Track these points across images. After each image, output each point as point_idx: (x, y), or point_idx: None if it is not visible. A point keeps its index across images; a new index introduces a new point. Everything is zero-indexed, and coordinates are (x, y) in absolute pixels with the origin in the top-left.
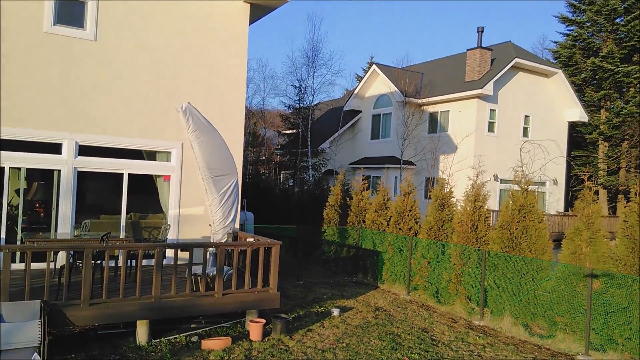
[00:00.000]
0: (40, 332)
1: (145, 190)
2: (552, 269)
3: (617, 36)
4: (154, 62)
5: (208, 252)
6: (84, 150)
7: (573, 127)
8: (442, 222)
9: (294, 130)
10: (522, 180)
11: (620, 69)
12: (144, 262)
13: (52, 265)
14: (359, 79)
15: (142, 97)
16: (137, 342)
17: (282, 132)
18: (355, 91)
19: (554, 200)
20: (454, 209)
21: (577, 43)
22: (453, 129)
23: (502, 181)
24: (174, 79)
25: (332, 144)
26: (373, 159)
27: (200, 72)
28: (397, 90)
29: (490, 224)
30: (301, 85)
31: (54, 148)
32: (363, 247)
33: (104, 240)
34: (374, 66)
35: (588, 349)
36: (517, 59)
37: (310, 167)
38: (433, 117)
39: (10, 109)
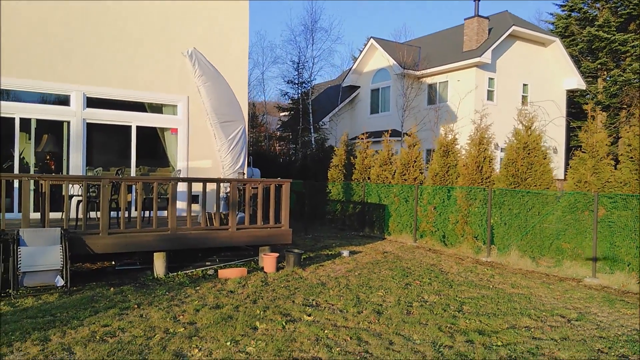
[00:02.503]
0: (62, 257)
1: (153, 148)
2: (557, 201)
3: (613, 5)
4: (157, 14)
5: (220, 196)
6: (92, 103)
7: (571, 99)
8: (447, 168)
9: (294, 106)
10: (525, 118)
11: (617, 37)
12: (158, 213)
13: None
14: (355, 60)
15: (147, 49)
16: (155, 275)
17: (282, 107)
18: (354, 67)
19: (555, 168)
20: (458, 155)
21: (573, 13)
22: (452, 99)
23: (502, 150)
24: (178, 30)
25: (331, 120)
26: (373, 133)
27: (204, 23)
28: (395, 62)
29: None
30: (300, 60)
31: (63, 100)
32: (368, 201)
33: (118, 174)
34: (371, 40)
35: (595, 272)
36: (514, 27)
37: (312, 140)
38: (432, 88)
39: (18, 61)
